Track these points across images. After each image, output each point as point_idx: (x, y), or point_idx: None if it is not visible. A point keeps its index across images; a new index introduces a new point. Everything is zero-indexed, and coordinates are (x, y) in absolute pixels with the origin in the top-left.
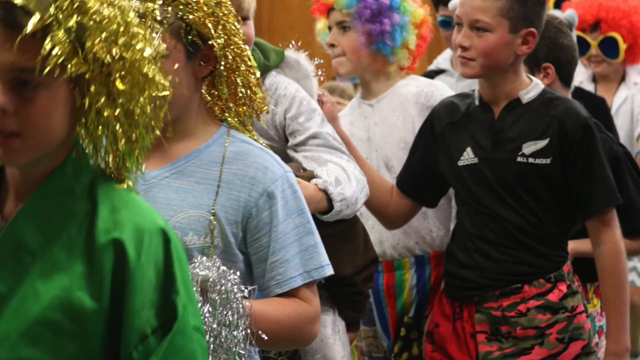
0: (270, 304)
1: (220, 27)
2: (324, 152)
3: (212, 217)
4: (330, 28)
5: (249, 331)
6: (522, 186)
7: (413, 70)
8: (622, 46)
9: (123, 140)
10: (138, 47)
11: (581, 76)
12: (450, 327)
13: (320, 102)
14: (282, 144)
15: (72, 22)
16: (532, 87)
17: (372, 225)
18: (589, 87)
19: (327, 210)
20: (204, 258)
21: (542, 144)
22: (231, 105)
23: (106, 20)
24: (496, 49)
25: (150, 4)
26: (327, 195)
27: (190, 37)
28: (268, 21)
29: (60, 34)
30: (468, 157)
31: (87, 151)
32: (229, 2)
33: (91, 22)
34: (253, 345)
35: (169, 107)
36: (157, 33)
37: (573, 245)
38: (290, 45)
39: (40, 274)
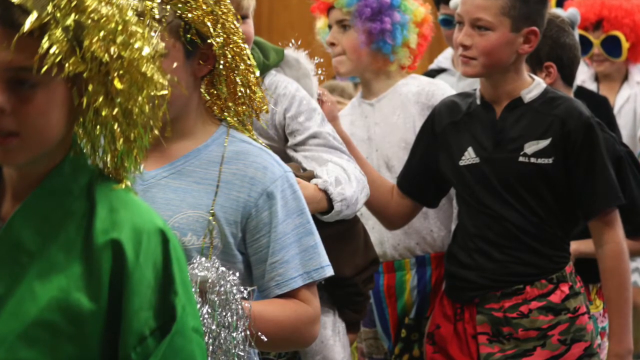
0: (269, 305)
1: (219, 25)
2: (324, 151)
3: (211, 218)
4: (330, 27)
5: (248, 332)
6: (524, 186)
7: (414, 69)
8: (625, 45)
9: (121, 140)
10: (136, 45)
11: (583, 75)
12: (451, 328)
13: (320, 101)
14: (282, 143)
15: (69, 21)
16: (533, 86)
17: (373, 226)
18: (592, 86)
19: (327, 211)
20: (203, 259)
21: (544, 143)
22: (230, 104)
23: (104, 19)
24: (498, 47)
25: (148, 3)
26: (327, 195)
27: (189, 35)
28: (268, 20)
29: (58, 32)
30: (469, 156)
31: (85, 151)
32: (228, 1)
33: (89, 21)
34: (252, 347)
35: (168, 106)
36: (155, 32)
37: (575, 246)
38: (290, 44)
39: (38, 274)
